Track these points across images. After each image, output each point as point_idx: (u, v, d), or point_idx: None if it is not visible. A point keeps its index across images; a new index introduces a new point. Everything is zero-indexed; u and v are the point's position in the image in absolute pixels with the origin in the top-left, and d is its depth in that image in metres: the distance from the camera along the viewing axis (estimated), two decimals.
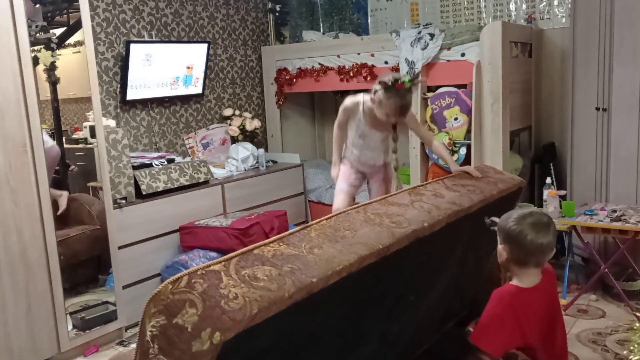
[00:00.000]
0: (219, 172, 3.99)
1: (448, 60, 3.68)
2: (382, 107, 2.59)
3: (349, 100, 2.81)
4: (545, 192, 3.37)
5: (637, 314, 2.62)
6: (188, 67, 4.01)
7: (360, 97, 2.77)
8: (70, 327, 2.82)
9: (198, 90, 4.18)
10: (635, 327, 1.33)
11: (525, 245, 1.58)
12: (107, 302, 3.03)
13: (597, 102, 3.42)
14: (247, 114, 4.52)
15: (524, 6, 4.10)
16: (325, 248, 1.39)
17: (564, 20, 3.94)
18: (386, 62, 3.94)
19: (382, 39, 4.01)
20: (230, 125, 4.41)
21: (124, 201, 3.16)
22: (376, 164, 2.97)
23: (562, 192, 3.42)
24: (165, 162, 3.54)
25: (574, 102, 3.52)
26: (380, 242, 1.47)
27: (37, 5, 2.86)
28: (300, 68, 4.37)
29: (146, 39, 3.87)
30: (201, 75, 4.14)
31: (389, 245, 1.48)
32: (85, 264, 3.13)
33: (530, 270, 1.63)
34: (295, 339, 1.35)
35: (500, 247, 1.68)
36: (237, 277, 1.22)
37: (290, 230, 1.45)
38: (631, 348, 1.32)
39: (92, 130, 2.99)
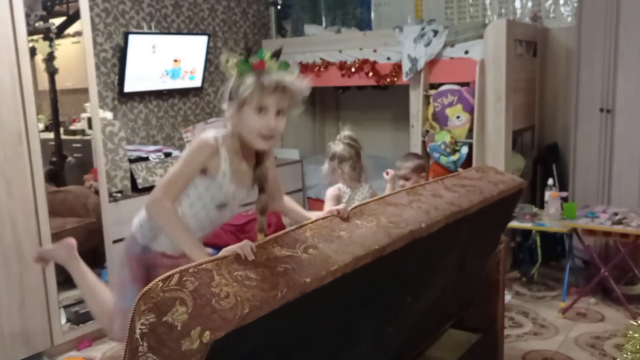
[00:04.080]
0: None
1: (451, 58, 3.64)
2: (252, 106, 1.52)
3: (203, 141, 1.58)
4: (547, 194, 3.34)
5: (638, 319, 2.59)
6: (175, 61, 3.94)
7: (214, 134, 1.60)
8: (63, 320, 2.80)
9: (197, 83, 4.14)
10: (628, 335, 1.30)
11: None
12: None
13: (602, 103, 3.39)
14: None
15: (529, 4, 4.06)
16: (320, 248, 1.36)
17: (569, 19, 3.90)
18: (389, 58, 3.90)
19: (385, 35, 3.97)
20: None
21: (119, 194, 3.13)
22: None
23: (564, 194, 3.39)
24: (162, 156, 3.51)
25: (578, 103, 3.49)
26: (376, 242, 1.44)
27: None
28: (301, 62, 4.33)
29: (145, 30, 3.84)
30: (191, 69, 4.08)
31: (385, 245, 1.45)
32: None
33: None
34: (287, 339, 1.32)
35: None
36: (229, 276, 1.20)
37: (285, 230, 1.42)
38: (625, 356, 1.29)
39: (90, 121, 2.96)
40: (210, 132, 1.62)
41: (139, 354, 1.12)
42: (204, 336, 1.07)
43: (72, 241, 2.13)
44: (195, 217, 1.69)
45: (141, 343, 1.12)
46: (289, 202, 1.78)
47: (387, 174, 2.69)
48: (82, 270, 2.08)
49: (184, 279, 1.18)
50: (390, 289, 1.63)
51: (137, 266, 1.79)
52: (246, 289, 1.17)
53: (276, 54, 1.57)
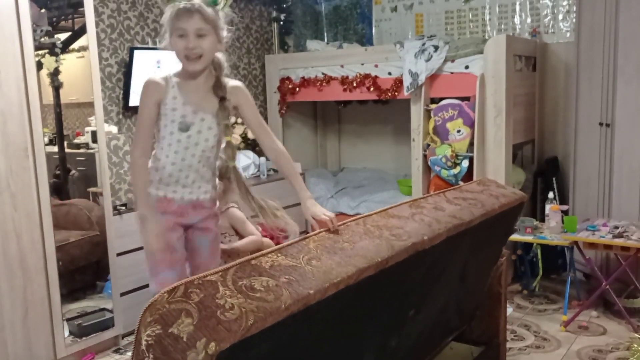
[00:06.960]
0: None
1: (452, 73, 3.68)
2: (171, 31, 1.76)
3: (147, 81, 1.82)
4: (548, 207, 3.36)
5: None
6: None
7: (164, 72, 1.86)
8: (66, 333, 2.80)
9: None
10: (633, 348, 1.31)
11: None
12: (104, 309, 3.01)
13: (601, 118, 3.41)
14: None
15: (528, 20, 4.11)
16: (323, 260, 1.37)
17: (568, 34, 3.95)
18: (390, 73, 3.94)
19: (386, 50, 4.01)
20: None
21: (124, 207, 3.15)
22: (200, 198, 1.89)
23: (565, 207, 3.41)
24: None
25: (577, 117, 3.52)
26: (379, 254, 1.46)
27: (43, 10, 2.87)
28: (303, 77, 4.37)
29: (150, 45, 3.88)
30: None
31: (388, 258, 1.47)
32: (84, 270, 3.11)
33: None
34: (291, 350, 1.33)
35: None
36: (233, 288, 1.21)
37: (289, 241, 1.44)
38: None
39: (94, 135, 2.99)
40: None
41: None
42: (209, 347, 1.08)
43: None
44: (170, 148, 1.82)
45: (147, 355, 1.14)
46: (280, 155, 1.85)
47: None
48: None
49: (189, 290, 1.20)
50: (393, 301, 1.65)
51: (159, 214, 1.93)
52: (250, 301, 1.18)
53: None
